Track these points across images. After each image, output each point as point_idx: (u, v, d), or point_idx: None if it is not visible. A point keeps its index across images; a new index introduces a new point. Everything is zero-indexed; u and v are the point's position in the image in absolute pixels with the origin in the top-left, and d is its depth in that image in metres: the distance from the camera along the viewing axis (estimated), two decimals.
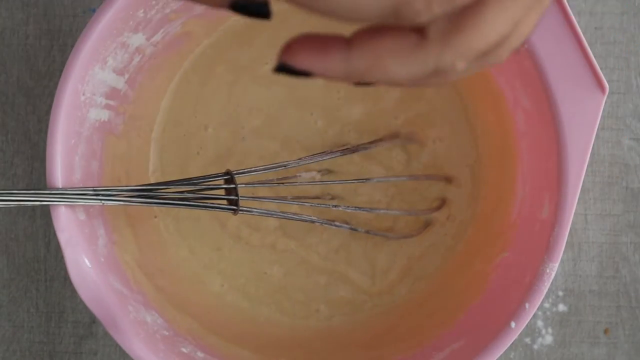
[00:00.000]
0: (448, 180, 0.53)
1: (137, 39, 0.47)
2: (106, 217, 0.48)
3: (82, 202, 0.43)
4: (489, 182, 0.52)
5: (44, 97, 0.55)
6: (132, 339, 0.43)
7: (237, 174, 0.47)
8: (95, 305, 0.43)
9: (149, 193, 0.45)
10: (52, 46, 0.55)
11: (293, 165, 0.49)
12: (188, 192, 0.46)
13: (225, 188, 0.46)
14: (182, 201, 0.45)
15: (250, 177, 0.48)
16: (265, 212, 0.48)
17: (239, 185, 0.46)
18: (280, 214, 0.49)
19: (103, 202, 0.43)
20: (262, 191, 0.53)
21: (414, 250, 0.54)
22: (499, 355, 0.44)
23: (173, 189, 0.45)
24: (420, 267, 0.54)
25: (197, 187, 0.46)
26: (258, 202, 0.50)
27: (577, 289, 0.55)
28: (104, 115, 0.48)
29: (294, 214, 0.51)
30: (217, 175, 0.46)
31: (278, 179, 0.51)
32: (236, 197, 0.46)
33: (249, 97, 0.53)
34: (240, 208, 0.46)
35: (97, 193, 0.43)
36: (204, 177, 0.46)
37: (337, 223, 0.51)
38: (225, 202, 0.46)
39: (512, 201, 0.49)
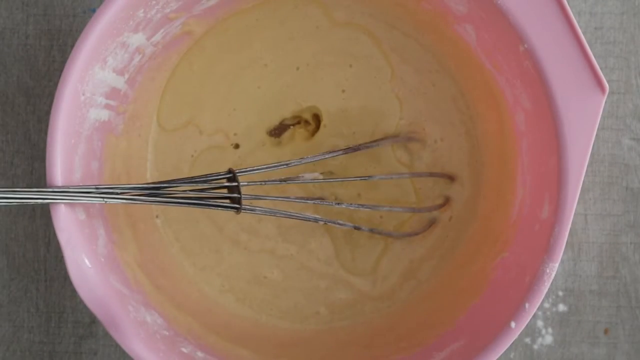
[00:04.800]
0: (451, 178, 0.53)
1: (137, 39, 0.47)
2: (106, 217, 0.48)
3: (84, 200, 0.42)
4: (489, 182, 0.52)
5: (44, 97, 0.55)
6: (132, 339, 0.43)
7: (239, 172, 0.47)
8: (95, 305, 0.43)
9: (150, 192, 0.45)
10: (52, 46, 0.55)
11: (295, 163, 0.49)
12: (190, 190, 0.45)
13: (227, 187, 0.46)
14: (184, 200, 0.45)
15: (252, 176, 0.48)
16: (268, 210, 0.47)
17: (241, 184, 0.46)
18: (284, 212, 0.49)
19: (106, 200, 0.43)
20: (265, 191, 0.53)
21: (415, 252, 0.54)
22: (499, 355, 0.44)
23: (175, 187, 0.45)
24: (421, 269, 0.54)
25: (199, 186, 0.46)
26: (261, 201, 0.49)
27: (577, 289, 0.55)
28: (104, 115, 0.48)
29: (297, 213, 0.51)
30: (219, 174, 0.46)
31: (280, 179, 0.51)
32: (239, 196, 0.46)
33: (248, 98, 0.53)
34: (243, 207, 0.46)
35: (99, 191, 0.43)
36: (205, 176, 0.46)
37: (341, 221, 0.51)
38: (227, 201, 0.46)
39: (512, 201, 0.49)
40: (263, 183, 0.49)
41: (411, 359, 0.48)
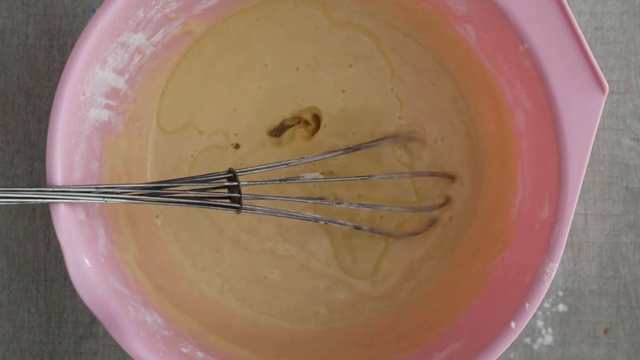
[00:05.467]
0: (451, 177, 0.53)
1: (137, 39, 0.47)
2: (106, 217, 0.48)
3: (84, 200, 0.42)
4: (489, 182, 0.52)
5: (44, 97, 0.55)
6: (132, 339, 0.43)
7: (239, 172, 0.46)
8: (95, 305, 0.43)
9: (151, 191, 0.45)
10: (52, 46, 0.55)
11: (295, 163, 0.49)
12: (190, 190, 0.45)
13: (228, 186, 0.46)
14: (184, 199, 0.45)
15: (253, 176, 0.48)
16: (269, 210, 0.47)
17: (241, 184, 0.46)
18: (284, 212, 0.48)
19: (106, 199, 0.43)
20: (265, 191, 0.53)
21: (415, 252, 0.54)
22: (499, 355, 0.44)
23: (175, 187, 0.45)
24: (421, 269, 0.54)
25: (200, 186, 0.46)
26: (261, 201, 0.49)
27: (577, 289, 0.55)
28: (104, 115, 0.48)
29: (298, 212, 0.51)
30: (219, 174, 0.46)
31: (281, 179, 0.51)
32: (239, 195, 0.46)
33: (248, 98, 0.53)
34: (244, 207, 0.46)
35: (99, 191, 0.43)
36: (205, 176, 0.46)
37: (342, 221, 0.51)
38: (228, 201, 0.46)
39: (512, 201, 0.49)
40: (263, 183, 0.49)
41: (411, 359, 0.48)
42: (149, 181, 0.53)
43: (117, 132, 0.50)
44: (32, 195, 0.41)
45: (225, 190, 0.46)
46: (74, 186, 0.43)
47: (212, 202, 0.45)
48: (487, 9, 0.45)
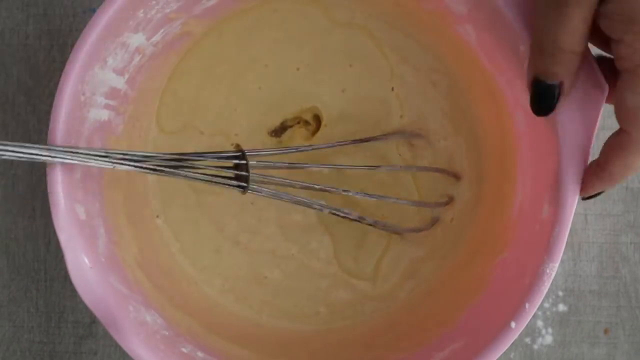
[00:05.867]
0: (456, 176, 0.53)
1: (137, 39, 0.47)
2: (106, 217, 0.48)
3: (92, 164, 0.42)
4: (489, 182, 0.52)
5: (44, 97, 0.55)
6: (132, 339, 0.43)
7: (249, 152, 0.46)
8: (95, 305, 0.43)
9: (160, 163, 0.44)
10: (52, 46, 0.55)
11: (305, 149, 0.49)
12: (198, 168, 0.45)
13: (236, 164, 0.46)
14: (192, 173, 0.44)
15: (261, 157, 0.48)
16: (274, 192, 0.47)
17: (250, 163, 0.46)
18: (289, 196, 0.48)
19: (114, 165, 0.42)
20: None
21: (416, 252, 0.54)
22: (499, 355, 0.44)
23: (186, 160, 0.45)
24: (421, 269, 0.54)
25: (208, 162, 0.45)
26: (267, 187, 0.49)
27: (577, 289, 0.55)
28: (104, 115, 0.48)
29: (303, 198, 0.50)
30: (228, 152, 0.46)
31: (290, 163, 0.51)
32: (247, 174, 0.45)
33: (248, 98, 0.53)
34: (250, 186, 0.45)
35: (109, 154, 0.42)
36: (216, 153, 0.46)
37: (346, 210, 0.51)
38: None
39: (512, 201, 0.49)
40: (271, 164, 0.48)
41: (411, 359, 0.48)
42: (149, 180, 0.53)
43: (117, 132, 0.50)
44: (42, 153, 0.41)
45: (232, 174, 0.46)
46: (83, 148, 0.42)
47: (218, 180, 0.45)
48: (487, 9, 0.45)
